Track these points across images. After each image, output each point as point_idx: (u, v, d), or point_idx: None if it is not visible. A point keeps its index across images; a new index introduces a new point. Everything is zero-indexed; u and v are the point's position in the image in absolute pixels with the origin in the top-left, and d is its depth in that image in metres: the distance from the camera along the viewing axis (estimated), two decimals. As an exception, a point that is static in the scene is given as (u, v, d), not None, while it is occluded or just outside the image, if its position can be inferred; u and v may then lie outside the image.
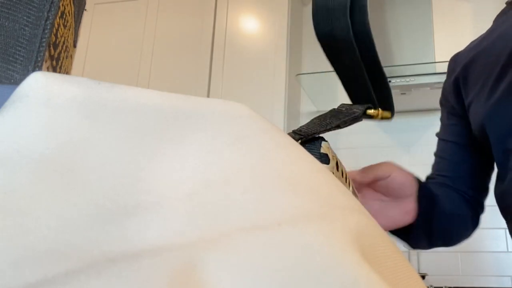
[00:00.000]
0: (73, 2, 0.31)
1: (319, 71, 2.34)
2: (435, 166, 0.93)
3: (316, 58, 2.57)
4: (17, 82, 0.21)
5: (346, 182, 0.46)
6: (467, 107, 0.87)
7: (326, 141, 0.43)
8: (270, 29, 2.37)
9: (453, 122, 0.93)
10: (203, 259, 0.15)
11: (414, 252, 2.14)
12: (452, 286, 2.07)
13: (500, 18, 0.90)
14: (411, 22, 2.25)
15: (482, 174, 0.91)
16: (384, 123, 2.35)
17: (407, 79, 2.03)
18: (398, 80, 2.03)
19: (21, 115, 0.18)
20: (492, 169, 0.92)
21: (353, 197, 0.22)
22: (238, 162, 0.19)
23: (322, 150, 0.41)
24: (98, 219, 0.15)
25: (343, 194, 0.21)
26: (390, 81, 2.05)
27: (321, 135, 0.43)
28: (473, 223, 0.90)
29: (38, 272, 0.13)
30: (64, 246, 0.14)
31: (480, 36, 0.92)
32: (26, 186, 0.16)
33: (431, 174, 0.93)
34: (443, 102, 0.97)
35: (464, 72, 0.89)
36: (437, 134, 0.96)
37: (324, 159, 0.41)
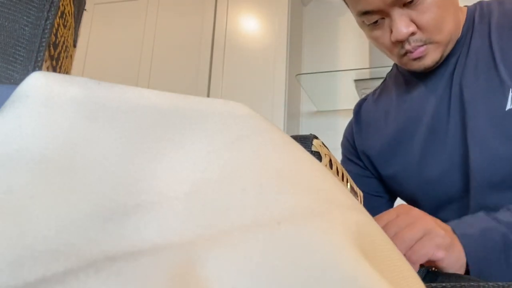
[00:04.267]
0: (73, 2, 0.31)
1: (319, 71, 2.34)
2: None
3: (316, 58, 2.57)
4: (17, 82, 0.21)
5: (343, 180, 0.46)
6: (388, 177, 0.85)
7: (318, 138, 0.42)
8: (270, 29, 2.36)
9: (363, 173, 0.91)
10: (202, 257, 0.15)
11: (414, 252, 2.13)
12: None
13: (403, 87, 0.86)
14: (411, 22, 2.24)
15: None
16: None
17: (407, 79, 2.03)
18: (398, 80, 2.03)
19: (21, 115, 0.18)
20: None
21: (352, 196, 0.22)
22: (238, 162, 0.19)
23: (313, 148, 0.41)
24: (97, 219, 0.15)
25: (343, 193, 0.21)
26: (390, 81, 2.04)
27: (312, 133, 0.43)
28: None
29: (37, 272, 0.13)
30: (64, 246, 0.14)
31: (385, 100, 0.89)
32: (25, 186, 0.16)
33: None
34: (347, 148, 0.94)
35: (374, 152, 0.87)
36: None
37: (315, 157, 0.40)
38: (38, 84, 0.19)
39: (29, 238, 0.14)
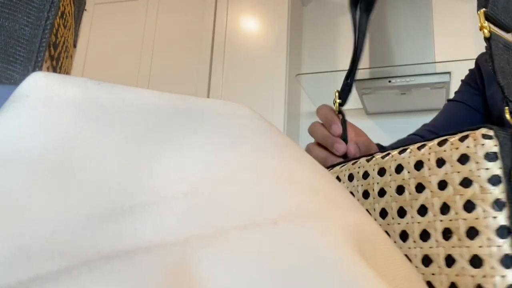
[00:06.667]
0: (73, 2, 0.31)
1: (319, 71, 2.34)
2: (430, 122, 0.95)
3: (316, 58, 2.57)
4: (17, 82, 0.21)
5: None
6: (489, 97, 0.89)
7: None
8: (270, 29, 2.36)
9: (471, 91, 0.95)
10: (197, 255, 0.15)
11: (414, 252, 2.13)
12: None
13: None
14: (411, 22, 2.24)
15: None
16: (385, 122, 2.35)
17: (407, 79, 2.03)
18: (398, 80, 2.03)
19: (20, 115, 0.18)
20: None
21: (351, 196, 0.22)
22: (237, 162, 0.19)
23: None
24: (94, 219, 0.15)
25: (342, 194, 0.21)
26: (390, 81, 2.05)
27: None
28: None
29: (31, 270, 0.13)
30: (59, 246, 0.14)
31: None
32: (23, 186, 0.16)
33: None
34: (467, 80, 0.99)
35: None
36: (448, 99, 0.99)
37: None
38: (38, 84, 0.19)
39: (26, 238, 0.14)
